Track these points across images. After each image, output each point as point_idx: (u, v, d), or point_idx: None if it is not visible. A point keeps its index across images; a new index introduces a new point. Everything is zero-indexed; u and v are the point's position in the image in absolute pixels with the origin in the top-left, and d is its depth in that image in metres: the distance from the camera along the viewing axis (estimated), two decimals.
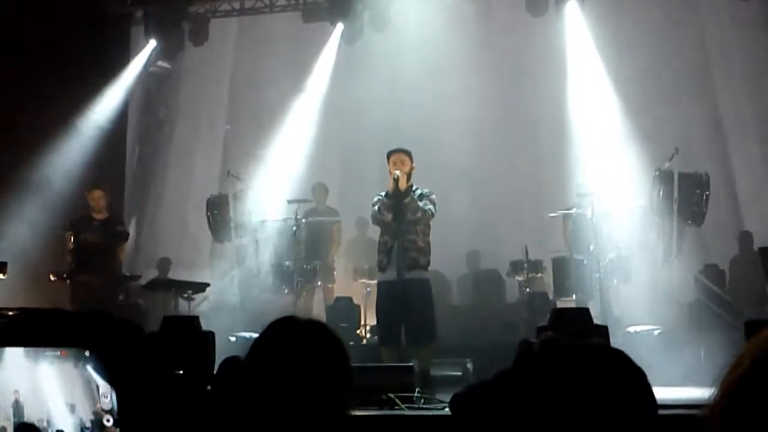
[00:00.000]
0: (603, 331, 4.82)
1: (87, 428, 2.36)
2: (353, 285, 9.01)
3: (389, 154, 6.26)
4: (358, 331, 8.38)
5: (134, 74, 10.86)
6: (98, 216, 8.00)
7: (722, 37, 9.73)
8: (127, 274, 8.55)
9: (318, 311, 9.11)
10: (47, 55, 9.34)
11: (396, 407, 4.86)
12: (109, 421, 2.37)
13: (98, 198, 8.06)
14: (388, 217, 6.04)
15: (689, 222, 8.05)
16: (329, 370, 1.72)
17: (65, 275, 7.75)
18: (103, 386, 2.33)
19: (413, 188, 6.20)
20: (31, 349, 2.28)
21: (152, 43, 10.51)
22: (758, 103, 9.57)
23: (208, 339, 5.36)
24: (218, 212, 8.98)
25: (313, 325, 1.83)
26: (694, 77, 9.83)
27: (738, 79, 9.69)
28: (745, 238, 8.91)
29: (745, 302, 7.82)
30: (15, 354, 2.28)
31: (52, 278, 7.79)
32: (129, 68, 10.74)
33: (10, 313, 2.66)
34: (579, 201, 8.40)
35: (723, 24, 9.72)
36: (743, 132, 9.58)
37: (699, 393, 4.90)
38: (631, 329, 7.59)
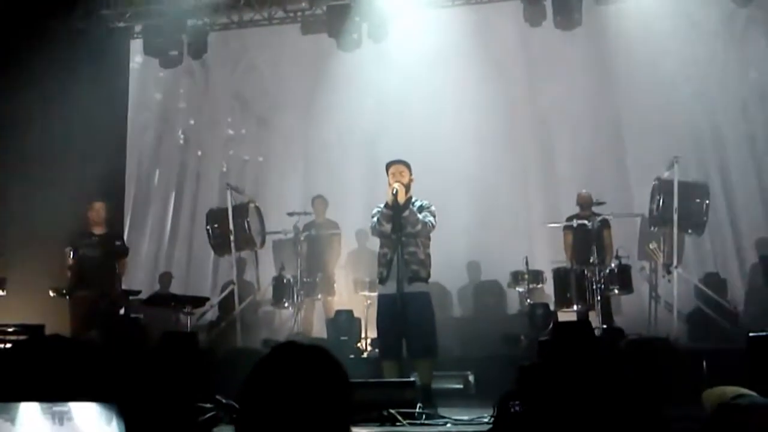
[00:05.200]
0: (605, 344, 4.80)
1: None
2: (354, 297, 8.97)
3: (388, 165, 6.21)
4: (359, 345, 8.33)
5: (131, 85, 10.97)
6: (97, 231, 7.96)
7: (723, 47, 9.70)
8: (127, 289, 8.50)
9: (318, 324, 9.08)
10: (46, 65, 9.38)
11: (398, 423, 4.82)
12: None
13: (99, 210, 8.00)
14: (387, 227, 5.99)
15: (689, 231, 8.03)
16: (330, 399, 1.70)
17: (64, 291, 7.71)
18: None
19: (412, 200, 6.16)
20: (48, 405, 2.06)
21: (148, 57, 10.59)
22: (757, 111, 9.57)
23: (207, 355, 5.36)
24: (218, 225, 8.97)
25: (315, 351, 1.80)
26: (696, 85, 9.81)
27: (737, 88, 9.67)
28: (764, 244, 8.73)
29: (749, 311, 7.78)
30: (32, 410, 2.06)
31: (51, 294, 7.75)
32: (127, 79, 10.84)
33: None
34: (583, 212, 8.40)
35: (720, 37, 9.70)
36: (742, 140, 9.55)
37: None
38: (632, 339, 7.56)
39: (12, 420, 1.97)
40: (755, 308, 7.85)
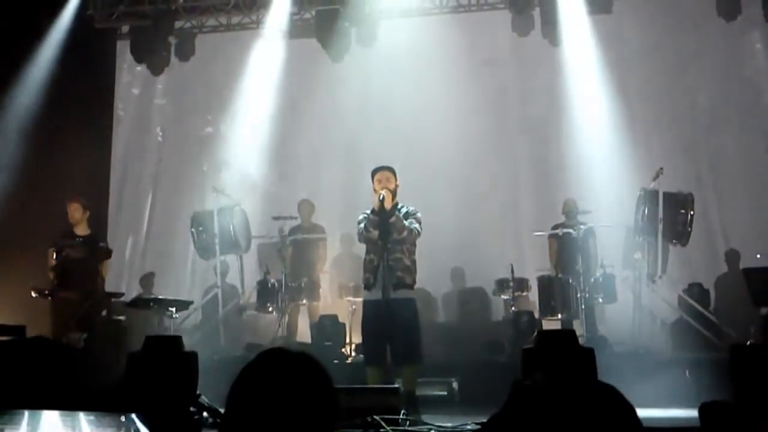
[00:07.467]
0: (589, 353, 4.81)
1: None
2: (339, 303, 8.94)
3: (374, 172, 6.22)
4: (343, 350, 8.30)
5: (118, 86, 10.90)
6: (81, 232, 7.89)
7: (708, 59, 9.78)
8: (110, 291, 8.42)
9: (303, 329, 9.04)
10: (32, 65, 9.32)
11: (381, 430, 4.81)
12: None
13: (74, 210, 7.90)
14: (375, 234, 5.99)
15: (674, 242, 8.08)
16: (316, 406, 1.69)
17: (47, 292, 7.63)
18: None
19: (398, 206, 6.17)
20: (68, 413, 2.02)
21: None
22: (741, 122, 9.64)
23: (190, 359, 5.31)
24: (202, 228, 8.91)
25: (301, 357, 1.79)
26: (680, 95, 9.87)
27: (722, 100, 9.74)
28: (732, 256, 8.92)
29: (729, 322, 7.82)
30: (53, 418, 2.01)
31: (33, 295, 7.66)
32: (113, 79, 10.78)
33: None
34: (569, 221, 8.43)
35: (709, 46, 9.77)
36: (734, 149, 9.62)
37: (682, 414, 4.91)
38: (616, 349, 7.60)
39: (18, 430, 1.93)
40: (736, 318, 7.89)
